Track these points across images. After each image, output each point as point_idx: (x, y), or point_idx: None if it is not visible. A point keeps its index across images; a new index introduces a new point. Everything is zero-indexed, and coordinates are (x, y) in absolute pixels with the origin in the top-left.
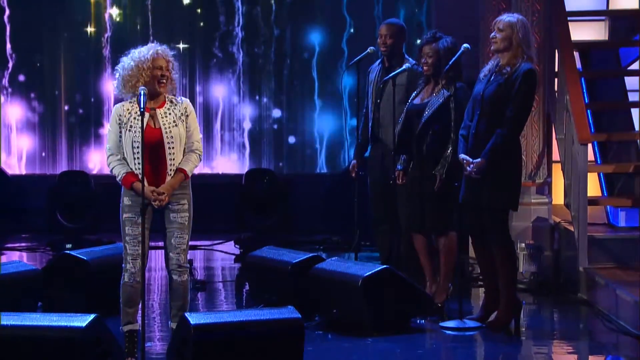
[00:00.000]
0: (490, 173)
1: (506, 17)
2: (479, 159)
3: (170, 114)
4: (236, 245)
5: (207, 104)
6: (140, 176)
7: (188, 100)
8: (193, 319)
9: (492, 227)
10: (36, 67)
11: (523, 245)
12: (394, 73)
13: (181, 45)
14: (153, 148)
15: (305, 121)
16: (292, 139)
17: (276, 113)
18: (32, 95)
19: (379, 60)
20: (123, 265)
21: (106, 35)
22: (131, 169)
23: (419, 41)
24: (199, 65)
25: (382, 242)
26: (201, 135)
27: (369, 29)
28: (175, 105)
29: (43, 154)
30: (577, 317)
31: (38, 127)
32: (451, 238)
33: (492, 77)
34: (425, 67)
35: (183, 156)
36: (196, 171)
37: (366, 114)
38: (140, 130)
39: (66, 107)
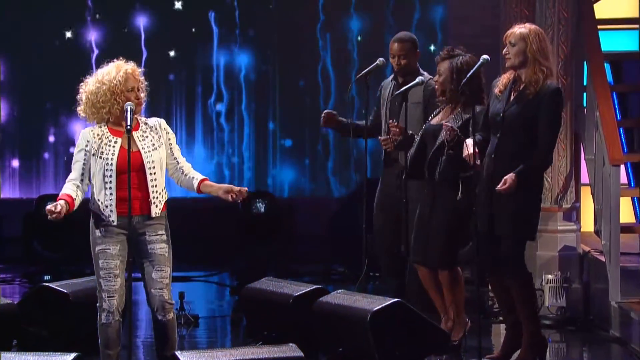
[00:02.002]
0: (510, 200)
1: (517, 29)
2: (511, 174)
3: (147, 136)
4: (232, 276)
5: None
6: (112, 204)
7: (163, 120)
8: (184, 357)
9: (509, 258)
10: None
11: (549, 276)
12: (404, 88)
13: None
14: (133, 173)
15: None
16: (294, 158)
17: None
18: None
19: (391, 76)
20: (98, 304)
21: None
22: (71, 194)
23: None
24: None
25: (391, 272)
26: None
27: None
28: (151, 127)
29: (19, 176)
30: (608, 357)
31: (13, 148)
32: (456, 272)
33: (512, 97)
34: (436, 86)
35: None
36: (187, 194)
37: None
38: (113, 156)
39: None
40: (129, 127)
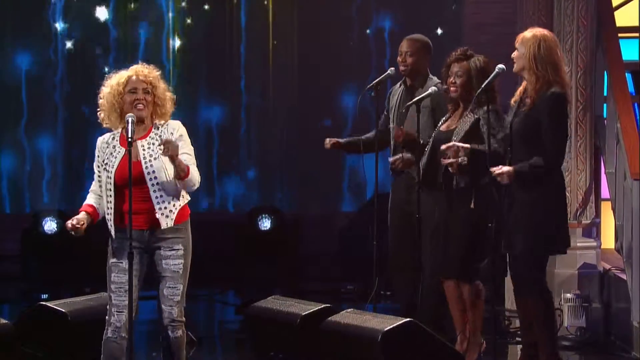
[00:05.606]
0: (525, 215)
1: (527, 32)
2: (510, 167)
3: (153, 143)
4: (237, 295)
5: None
6: (111, 219)
7: (179, 122)
8: None
9: (526, 273)
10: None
11: (568, 295)
12: (418, 97)
13: None
14: (134, 186)
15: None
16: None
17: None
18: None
19: (400, 82)
20: (107, 317)
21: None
22: (93, 204)
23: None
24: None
25: (402, 289)
26: (196, 161)
27: None
28: (160, 133)
29: (16, 190)
30: None
31: (9, 159)
32: (477, 287)
33: (518, 107)
34: (452, 88)
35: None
36: (189, 206)
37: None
38: (112, 168)
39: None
40: (129, 139)
